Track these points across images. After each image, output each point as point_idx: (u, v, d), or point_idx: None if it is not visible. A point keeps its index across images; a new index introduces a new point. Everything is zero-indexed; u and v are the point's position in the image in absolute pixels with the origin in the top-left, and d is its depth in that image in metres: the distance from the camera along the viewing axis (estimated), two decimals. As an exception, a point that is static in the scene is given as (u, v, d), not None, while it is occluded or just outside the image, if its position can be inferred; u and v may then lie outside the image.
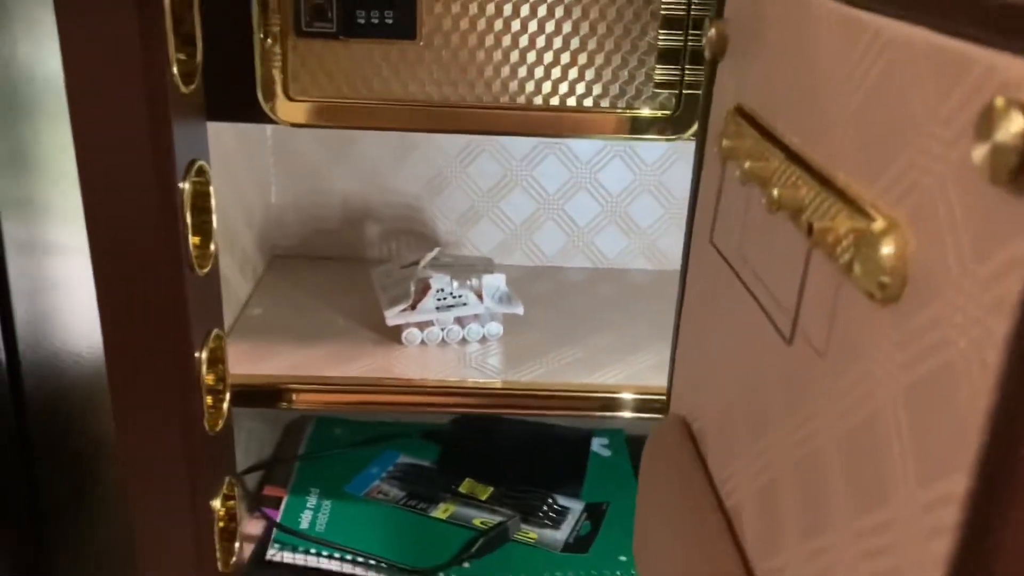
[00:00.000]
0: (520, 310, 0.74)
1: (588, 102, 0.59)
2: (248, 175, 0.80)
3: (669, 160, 0.85)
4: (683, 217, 0.88)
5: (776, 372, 0.34)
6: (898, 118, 0.26)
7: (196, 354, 0.54)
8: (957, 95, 0.23)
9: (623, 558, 0.75)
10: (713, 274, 0.40)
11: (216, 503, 0.58)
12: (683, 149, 0.85)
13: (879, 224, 0.26)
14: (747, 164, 0.34)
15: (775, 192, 0.31)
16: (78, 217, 0.68)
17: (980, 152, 0.21)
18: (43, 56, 0.62)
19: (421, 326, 0.73)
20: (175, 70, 0.48)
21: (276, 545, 0.73)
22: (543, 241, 0.89)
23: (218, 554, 0.59)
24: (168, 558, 0.58)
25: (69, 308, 0.68)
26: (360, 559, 0.72)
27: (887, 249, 0.26)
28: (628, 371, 0.71)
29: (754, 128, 0.36)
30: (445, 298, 0.72)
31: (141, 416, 0.53)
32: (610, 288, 0.86)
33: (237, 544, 0.62)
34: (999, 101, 0.20)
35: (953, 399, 0.23)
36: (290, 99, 0.58)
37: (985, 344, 0.22)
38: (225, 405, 0.58)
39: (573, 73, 0.58)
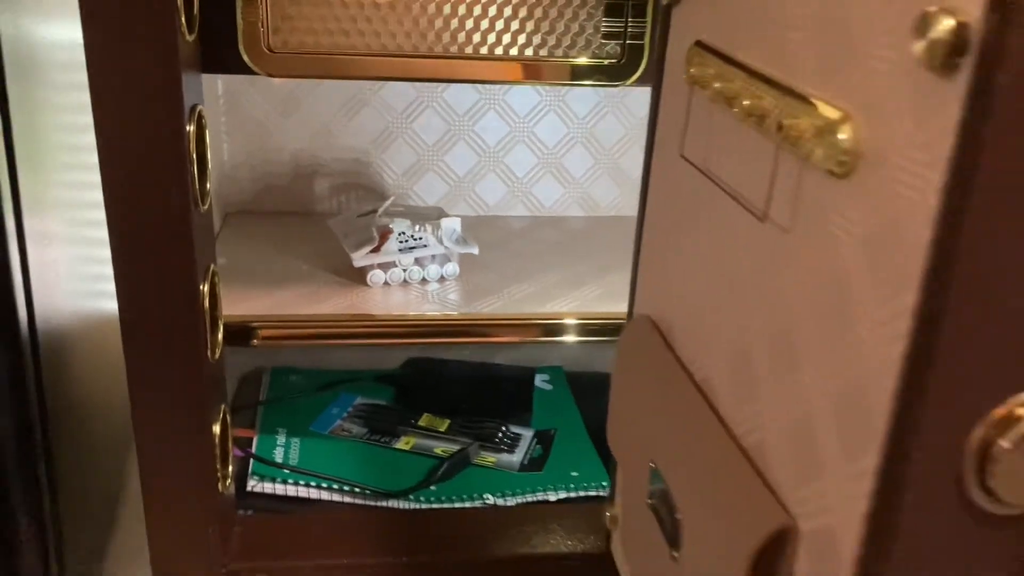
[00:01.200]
0: (475, 250, 0.80)
1: (544, 52, 0.66)
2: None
3: (599, 113, 0.93)
4: (612, 167, 0.96)
5: (747, 256, 0.41)
6: (847, 32, 0.33)
7: (201, 286, 0.58)
8: (896, 8, 0.31)
9: (575, 473, 0.83)
10: (683, 182, 0.47)
11: (216, 428, 0.63)
12: (612, 103, 0.93)
13: (837, 115, 0.34)
14: (717, 85, 0.42)
15: (746, 103, 0.39)
16: (67, 180, 0.71)
17: (919, 46, 0.29)
18: (30, 25, 0.64)
19: (384, 267, 0.79)
20: (183, 19, 0.52)
21: (255, 477, 0.78)
22: (485, 192, 0.95)
23: (219, 477, 0.63)
24: (173, 482, 0.62)
25: (63, 262, 0.71)
26: (335, 485, 0.78)
27: (844, 134, 0.33)
28: (576, 302, 0.78)
29: (717, 57, 0.44)
30: (407, 240, 0.78)
31: (151, 344, 0.58)
32: (549, 234, 0.93)
33: (231, 468, 0.66)
34: (932, 8, 0.28)
35: (902, 238, 0.31)
36: (271, 51, 0.63)
37: (927, 190, 0.29)
38: (220, 335, 0.63)
39: (530, 25, 0.65)
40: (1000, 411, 0.31)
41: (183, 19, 0.52)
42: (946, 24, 0.28)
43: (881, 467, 0.32)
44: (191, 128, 0.55)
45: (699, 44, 0.46)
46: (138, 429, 0.60)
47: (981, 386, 0.30)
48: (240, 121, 0.90)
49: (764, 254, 0.40)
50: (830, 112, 0.34)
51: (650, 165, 0.53)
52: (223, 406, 0.65)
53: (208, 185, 0.59)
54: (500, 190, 0.95)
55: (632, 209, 0.53)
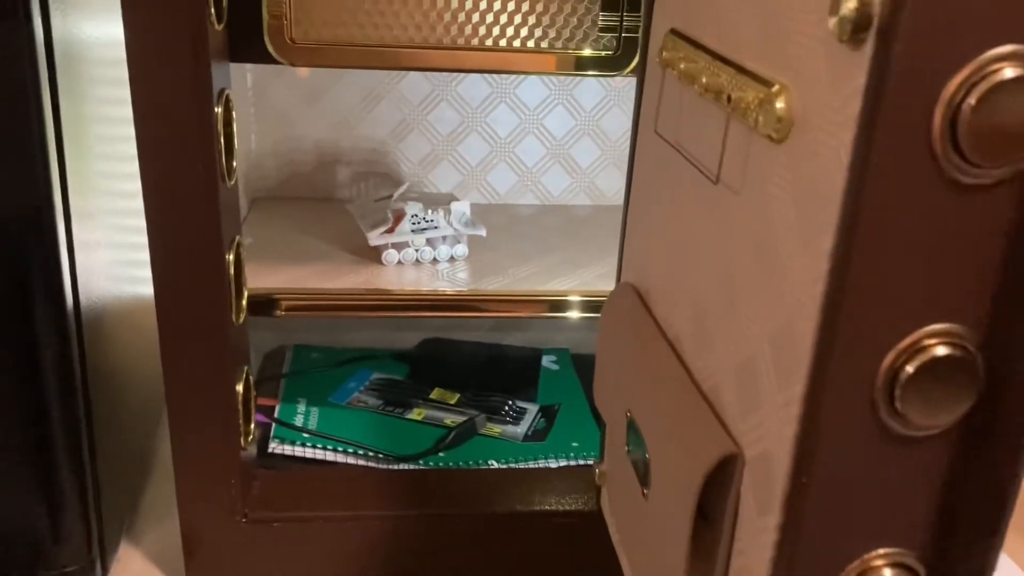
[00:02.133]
0: (483, 232, 0.86)
1: (544, 44, 0.71)
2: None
3: (606, 106, 0.98)
4: (617, 157, 1.00)
5: (705, 219, 0.46)
6: (782, 15, 0.38)
7: (226, 256, 0.64)
8: (820, -7, 0.35)
9: (575, 444, 0.88)
10: (657, 156, 0.52)
11: (239, 387, 0.68)
12: (618, 96, 0.98)
13: (775, 88, 0.38)
14: (683, 66, 0.47)
15: (704, 80, 0.44)
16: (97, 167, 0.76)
17: (832, 22, 0.33)
18: (76, 21, 0.70)
19: (398, 247, 0.84)
20: (212, 11, 0.58)
21: (276, 439, 0.83)
22: (496, 181, 1.01)
23: (241, 432, 0.69)
24: (199, 435, 0.68)
25: (103, 245, 0.76)
26: (350, 449, 0.83)
27: (780, 104, 0.38)
28: (576, 281, 0.83)
29: (686, 42, 0.48)
30: (419, 222, 0.84)
31: (181, 308, 0.63)
32: (556, 220, 0.98)
33: (252, 425, 0.72)
34: (842, -10, 0.33)
35: (822, 191, 0.35)
36: (293, 43, 0.69)
37: (840, 148, 0.34)
38: (244, 301, 0.69)
39: (532, 19, 0.70)
40: (907, 341, 0.35)
41: (212, 11, 0.58)
42: (852, 3, 0.32)
43: (805, 393, 0.37)
44: (219, 110, 0.60)
45: (673, 31, 0.51)
46: (169, 386, 0.66)
47: (889, 319, 0.35)
48: (267, 112, 0.96)
49: (718, 216, 0.44)
50: (770, 84, 0.39)
51: (635, 144, 0.58)
52: (246, 368, 0.71)
53: (234, 163, 0.64)
54: (511, 179, 1.01)
55: (638, 199, 0.58)
